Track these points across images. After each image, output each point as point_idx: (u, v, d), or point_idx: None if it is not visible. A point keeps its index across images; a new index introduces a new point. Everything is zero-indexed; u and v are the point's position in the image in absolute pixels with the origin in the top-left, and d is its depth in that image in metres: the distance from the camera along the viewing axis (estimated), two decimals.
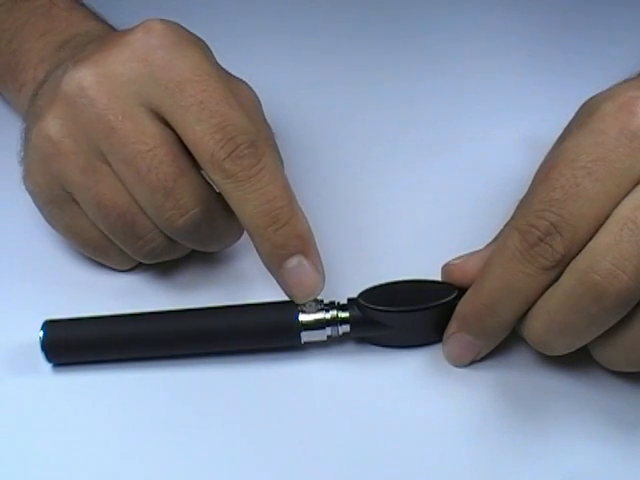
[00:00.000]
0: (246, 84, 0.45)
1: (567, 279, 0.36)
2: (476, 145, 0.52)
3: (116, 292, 0.45)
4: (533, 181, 0.40)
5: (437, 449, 0.39)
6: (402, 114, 0.54)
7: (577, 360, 0.40)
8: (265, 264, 0.41)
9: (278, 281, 0.41)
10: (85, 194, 0.41)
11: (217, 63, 0.42)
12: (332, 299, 0.42)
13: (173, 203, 0.40)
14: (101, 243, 0.43)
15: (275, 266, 0.40)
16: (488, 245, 0.41)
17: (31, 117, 0.43)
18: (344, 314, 0.41)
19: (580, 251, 0.35)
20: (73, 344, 0.41)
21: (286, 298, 0.41)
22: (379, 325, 0.41)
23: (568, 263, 0.36)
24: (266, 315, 0.41)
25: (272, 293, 0.41)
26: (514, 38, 0.58)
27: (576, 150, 0.36)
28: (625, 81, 0.40)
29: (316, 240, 0.41)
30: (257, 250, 0.40)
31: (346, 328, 0.41)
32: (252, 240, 0.40)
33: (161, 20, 0.41)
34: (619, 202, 0.35)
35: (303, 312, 0.41)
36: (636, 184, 0.35)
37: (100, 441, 0.39)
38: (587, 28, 0.57)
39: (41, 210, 0.44)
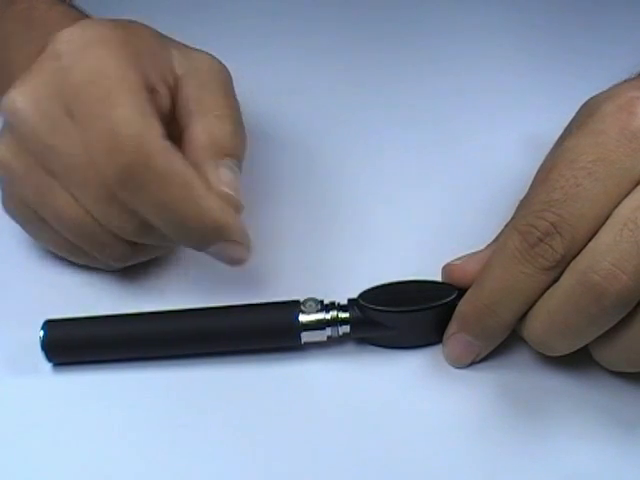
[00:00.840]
0: (210, 56, 0.44)
1: (567, 279, 0.36)
2: (476, 145, 0.52)
3: (116, 292, 0.45)
4: (533, 181, 0.40)
5: (437, 449, 0.38)
6: (402, 114, 0.54)
7: (577, 360, 0.40)
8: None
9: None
10: (46, 212, 0.42)
11: (142, 52, 0.41)
12: (332, 299, 0.41)
13: (118, 210, 0.40)
14: (84, 252, 0.44)
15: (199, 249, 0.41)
16: (489, 245, 0.41)
17: None
18: (344, 315, 0.41)
19: (580, 251, 0.35)
20: (73, 344, 0.41)
21: (287, 299, 0.41)
22: (379, 326, 0.41)
23: (568, 263, 0.36)
24: (266, 315, 0.41)
25: (272, 293, 0.42)
26: (514, 38, 0.57)
27: (576, 150, 0.36)
28: (625, 81, 0.40)
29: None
30: None
31: (346, 329, 0.41)
32: None
33: (81, 24, 0.41)
34: (619, 202, 0.35)
35: (303, 312, 0.41)
36: (636, 184, 0.35)
37: (100, 441, 0.39)
38: (587, 28, 0.57)
39: (24, 230, 0.45)
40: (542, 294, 0.37)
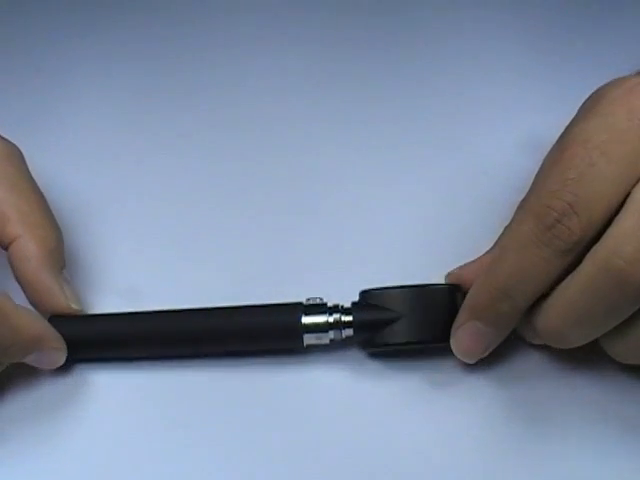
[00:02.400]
0: None
1: (588, 266, 0.35)
2: (476, 145, 0.52)
3: (116, 292, 0.44)
4: (541, 168, 0.40)
5: (440, 456, 0.38)
6: (402, 114, 0.54)
7: (580, 369, 0.40)
8: None
9: None
10: None
11: None
12: (336, 302, 0.41)
13: None
14: None
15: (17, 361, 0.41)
16: (487, 252, 0.41)
17: None
18: (347, 317, 0.40)
19: (596, 234, 0.35)
20: (73, 343, 0.41)
21: (290, 300, 0.41)
22: (382, 327, 0.40)
23: (585, 247, 0.35)
24: (269, 316, 0.41)
25: (275, 295, 0.41)
26: (515, 38, 0.58)
27: (588, 131, 0.36)
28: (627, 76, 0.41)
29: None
30: None
31: (349, 332, 0.40)
32: None
33: None
34: (635, 183, 0.35)
35: (306, 314, 0.40)
36: None
37: (100, 441, 0.39)
38: (588, 28, 0.58)
39: None
40: (557, 279, 0.36)
